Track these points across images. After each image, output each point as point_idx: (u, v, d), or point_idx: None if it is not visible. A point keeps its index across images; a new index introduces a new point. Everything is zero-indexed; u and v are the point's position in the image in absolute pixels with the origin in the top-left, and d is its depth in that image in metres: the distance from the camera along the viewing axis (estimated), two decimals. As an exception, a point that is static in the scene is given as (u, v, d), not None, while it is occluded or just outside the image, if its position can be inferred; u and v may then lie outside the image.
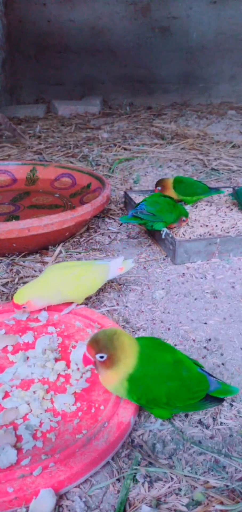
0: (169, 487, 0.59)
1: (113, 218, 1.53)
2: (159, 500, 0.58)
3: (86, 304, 1.01)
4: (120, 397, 0.69)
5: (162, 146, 2.46)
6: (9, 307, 0.95)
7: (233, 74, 4.08)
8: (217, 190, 1.54)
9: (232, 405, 0.73)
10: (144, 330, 0.94)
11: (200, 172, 2.05)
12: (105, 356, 0.65)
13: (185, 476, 0.61)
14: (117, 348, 0.65)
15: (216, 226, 1.36)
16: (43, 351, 0.82)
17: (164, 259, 1.24)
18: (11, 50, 3.83)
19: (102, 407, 0.70)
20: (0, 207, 1.53)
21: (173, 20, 3.90)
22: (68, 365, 0.79)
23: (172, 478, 0.60)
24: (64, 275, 0.94)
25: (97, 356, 0.65)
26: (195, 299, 1.05)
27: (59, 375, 0.77)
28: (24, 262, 1.21)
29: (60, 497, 0.58)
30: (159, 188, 1.49)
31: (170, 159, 2.25)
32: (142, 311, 1.00)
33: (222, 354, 0.86)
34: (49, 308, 0.96)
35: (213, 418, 0.71)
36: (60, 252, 1.25)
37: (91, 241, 1.35)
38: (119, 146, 2.42)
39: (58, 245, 1.29)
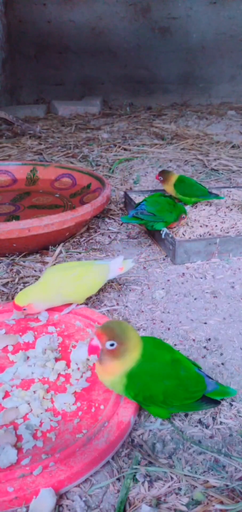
0: (169, 487, 0.59)
1: (113, 218, 1.53)
2: (159, 499, 0.58)
3: (86, 304, 1.01)
4: (120, 397, 0.70)
5: (162, 146, 2.46)
6: (9, 307, 0.95)
7: (233, 74, 4.09)
8: (217, 196, 1.54)
9: (231, 405, 0.73)
10: (144, 330, 0.94)
11: (200, 173, 2.05)
12: (115, 345, 0.65)
13: (185, 475, 0.61)
14: (128, 339, 0.66)
15: (216, 226, 1.36)
16: (43, 351, 0.82)
17: (164, 259, 1.25)
18: (11, 50, 3.83)
19: (102, 407, 0.70)
20: (0, 207, 1.54)
21: (173, 20, 3.91)
22: (68, 365, 0.79)
23: (172, 478, 0.61)
24: (65, 276, 0.94)
25: (108, 343, 0.64)
26: (195, 299, 1.05)
27: (59, 374, 0.77)
28: (24, 262, 1.21)
29: (60, 496, 0.58)
30: (161, 178, 1.53)
31: (170, 159, 2.25)
32: (142, 311, 1.00)
33: (221, 354, 0.86)
34: (49, 308, 0.96)
35: (213, 417, 0.71)
36: (60, 252, 1.26)
37: (91, 241, 1.35)
38: (119, 147, 2.42)
39: (58, 245, 1.29)
